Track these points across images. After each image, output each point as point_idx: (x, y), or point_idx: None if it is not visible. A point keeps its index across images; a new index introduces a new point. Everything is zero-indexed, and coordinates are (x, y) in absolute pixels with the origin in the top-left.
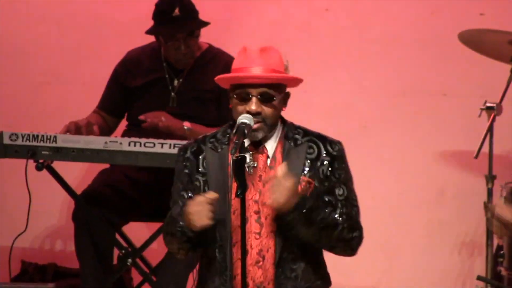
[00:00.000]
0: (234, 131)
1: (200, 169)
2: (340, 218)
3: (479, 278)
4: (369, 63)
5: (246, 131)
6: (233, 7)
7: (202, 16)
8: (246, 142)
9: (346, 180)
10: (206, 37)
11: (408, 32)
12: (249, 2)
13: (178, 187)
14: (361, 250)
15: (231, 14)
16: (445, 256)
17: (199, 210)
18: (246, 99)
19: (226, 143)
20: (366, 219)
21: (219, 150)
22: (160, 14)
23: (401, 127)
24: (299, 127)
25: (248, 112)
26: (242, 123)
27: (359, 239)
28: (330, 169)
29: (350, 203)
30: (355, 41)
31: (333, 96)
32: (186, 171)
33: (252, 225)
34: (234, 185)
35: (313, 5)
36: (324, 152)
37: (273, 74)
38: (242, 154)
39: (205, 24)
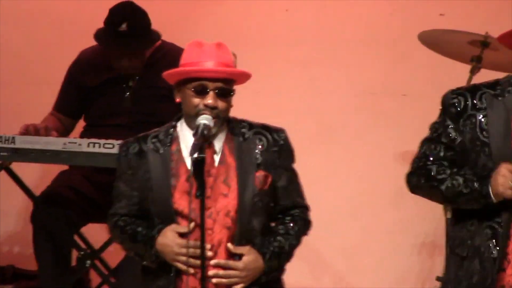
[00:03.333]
0: (194, 131)
1: (144, 171)
2: (296, 229)
3: (438, 278)
4: (329, 64)
5: (206, 132)
6: (191, 6)
7: (160, 16)
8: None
9: (291, 167)
10: (163, 36)
11: (367, 33)
12: (208, 1)
13: (121, 186)
14: (322, 250)
15: (189, 14)
16: (405, 257)
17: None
18: (202, 93)
19: (168, 144)
20: (327, 219)
21: (161, 152)
22: (107, 24)
23: (362, 127)
24: (242, 121)
25: (206, 106)
26: (203, 124)
27: (309, 223)
28: (279, 158)
29: (296, 192)
30: (315, 42)
31: (294, 97)
32: (130, 171)
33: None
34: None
35: (273, 5)
36: (272, 142)
37: (234, 69)
38: (202, 155)
39: (150, 44)
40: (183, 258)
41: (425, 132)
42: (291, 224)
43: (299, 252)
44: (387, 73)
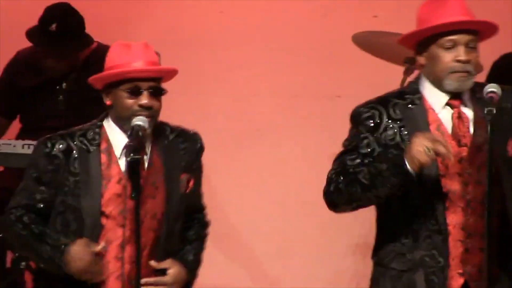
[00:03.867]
0: (129, 133)
1: (71, 169)
2: (204, 234)
3: None
4: (263, 66)
5: (141, 133)
6: (125, 8)
7: (95, 16)
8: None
9: (202, 170)
10: (98, 37)
11: (301, 35)
12: (143, 2)
13: (30, 181)
14: (257, 252)
15: (123, 15)
16: (340, 258)
17: (90, 268)
18: (136, 93)
19: (97, 143)
20: (261, 221)
21: (91, 151)
22: (39, 22)
23: (295, 129)
24: (163, 123)
25: (140, 106)
26: (137, 125)
27: (209, 225)
28: (196, 161)
29: (200, 195)
30: (248, 44)
31: (226, 100)
32: (51, 167)
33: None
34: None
35: (208, 7)
36: (193, 145)
37: (164, 66)
38: (137, 156)
39: (78, 47)
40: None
41: None
42: (200, 229)
43: (234, 253)
44: (321, 75)
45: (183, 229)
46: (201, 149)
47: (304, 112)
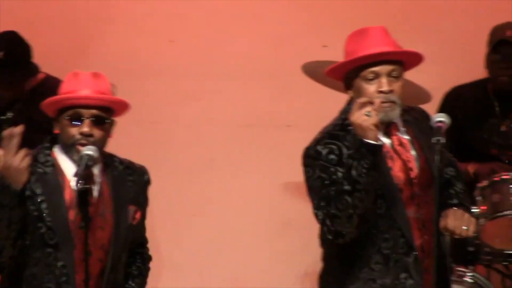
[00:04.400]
0: (78, 161)
1: (34, 189)
2: (146, 269)
3: None
4: (215, 95)
5: (90, 163)
6: (77, 37)
7: (46, 47)
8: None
9: (146, 206)
10: (48, 67)
11: (252, 64)
12: (94, 31)
13: None
14: (207, 280)
15: (75, 44)
16: (288, 287)
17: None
18: (78, 121)
19: (51, 164)
20: (213, 251)
21: (48, 172)
22: None
23: (247, 159)
24: (112, 155)
25: (81, 134)
26: (86, 154)
27: (150, 261)
28: (143, 194)
29: (144, 229)
30: (200, 73)
31: (179, 129)
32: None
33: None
34: None
35: (158, 36)
36: (140, 178)
37: (108, 96)
38: (86, 186)
39: (27, 77)
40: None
41: None
42: (142, 264)
43: (187, 283)
44: (271, 104)
45: (126, 263)
46: (147, 183)
47: (256, 141)
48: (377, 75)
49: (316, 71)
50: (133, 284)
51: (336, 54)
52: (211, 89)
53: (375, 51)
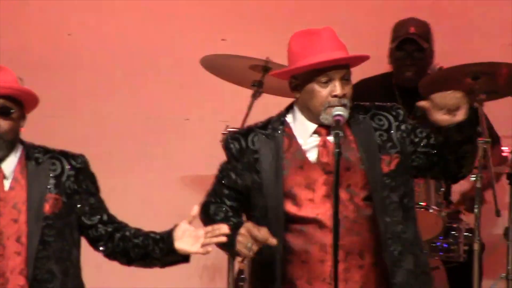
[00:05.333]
0: None
1: None
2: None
3: None
4: (114, 89)
5: None
6: None
7: None
8: None
9: (95, 190)
10: None
11: (150, 57)
12: None
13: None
14: (105, 274)
15: None
16: (185, 280)
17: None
18: None
19: None
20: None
21: None
22: None
23: (145, 152)
24: (39, 146)
25: None
26: None
27: None
28: (76, 182)
29: (103, 211)
30: (98, 67)
31: (76, 123)
32: None
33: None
34: None
35: (56, 29)
36: (68, 166)
37: (12, 84)
38: None
39: None
40: None
41: (207, 156)
42: (128, 232)
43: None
44: (170, 97)
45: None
46: (80, 169)
47: (154, 134)
48: (330, 79)
49: (215, 65)
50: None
51: (234, 48)
52: (110, 83)
53: (331, 57)
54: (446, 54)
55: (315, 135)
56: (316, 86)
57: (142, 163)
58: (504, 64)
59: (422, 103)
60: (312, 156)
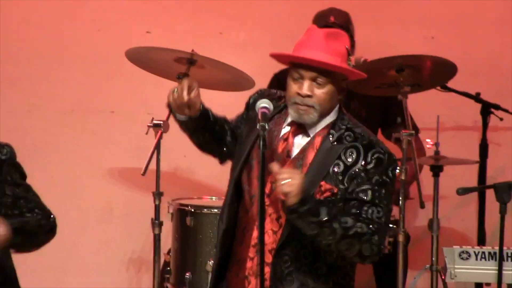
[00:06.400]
0: None
1: None
2: None
3: None
4: (37, 80)
5: None
6: None
7: None
8: None
9: (20, 181)
10: None
11: (76, 49)
12: None
13: None
14: (30, 268)
15: None
16: (113, 274)
17: None
18: None
19: None
20: None
21: None
22: None
23: (69, 145)
24: None
25: None
26: None
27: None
28: (0, 173)
29: (23, 205)
30: (21, 58)
31: (1, 115)
32: None
33: None
34: None
35: (12, 17)
36: None
37: None
38: None
39: None
40: None
41: (133, 149)
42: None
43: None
44: (96, 90)
45: None
46: (5, 161)
47: (78, 127)
48: (301, 77)
49: (140, 57)
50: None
51: (160, 40)
52: (33, 75)
53: (301, 55)
54: (370, 47)
55: (288, 127)
56: (290, 81)
57: (68, 156)
58: (428, 57)
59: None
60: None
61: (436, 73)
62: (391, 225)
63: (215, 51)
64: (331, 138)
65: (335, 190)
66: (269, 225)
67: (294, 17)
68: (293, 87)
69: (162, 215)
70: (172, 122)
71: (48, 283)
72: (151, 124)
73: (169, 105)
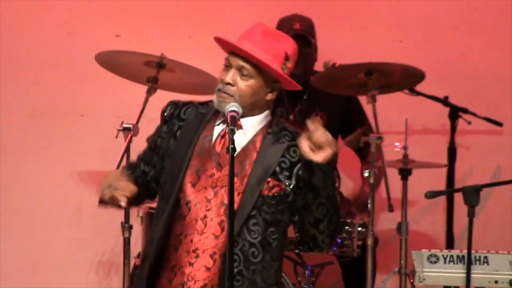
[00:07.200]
0: None
1: None
2: None
3: None
4: (7, 83)
5: None
6: None
7: None
8: None
9: None
10: None
11: (45, 52)
12: None
13: None
14: (1, 267)
15: None
16: (83, 276)
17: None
18: None
19: None
20: (4, 238)
21: None
22: None
23: (39, 147)
24: None
25: None
26: None
27: None
28: None
29: None
30: None
31: None
32: None
33: None
34: None
35: None
36: None
37: None
38: None
39: None
40: None
41: (103, 152)
42: None
43: None
44: (65, 93)
45: None
46: None
47: (47, 130)
48: (230, 65)
49: (109, 61)
50: None
51: (129, 44)
52: (3, 77)
53: (227, 40)
54: (338, 51)
55: (221, 125)
56: (222, 68)
57: (38, 159)
58: (396, 65)
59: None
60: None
61: (404, 78)
62: (360, 229)
63: (185, 54)
64: (271, 138)
65: (283, 186)
66: (210, 230)
67: (262, 21)
68: (221, 74)
69: (132, 219)
70: (142, 125)
71: (18, 283)
72: (121, 128)
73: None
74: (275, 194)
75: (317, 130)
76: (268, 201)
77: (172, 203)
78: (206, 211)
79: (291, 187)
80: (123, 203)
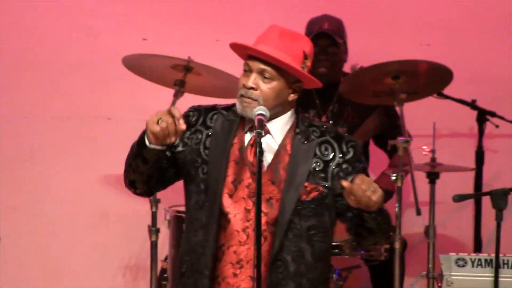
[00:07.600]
0: None
1: None
2: None
3: None
4: (34, 87)
5: None
6: None
7: None
8: None
9: None
10: None
11: (71, 56)
12: None
13: None
14: (27, 272)
15: None
16: (109, 280)
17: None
18: None
19: None
20: (31, 243)
21: None
22: None
23: (66, 152)
24: None
25: None
26: None
27: None
28: None
29: None
30: (16, 65)
31: None
32: None
33: None
34: None
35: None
36: None
37: None
38: None
39: None
40: None
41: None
42: None
43: (5, 274)
44: (92, 97)
45: None
46: None
47: (75, 133)
48: (250, 69)
49: (136, 64)
50: None
51: (156, 47)
52: (31, 81)
53: (246, 45)
54: (365, 55)
55: (250, 132)
56: (242, 73)
57: (65, 163)
58: (423, 62)
59: (345, 183)
60: (245, 152)
61: (432, 79)
62: None
63: (211, 58)
64: (300, 138)
65: (320, 189)
66: (252, 240)
67: (290, 23)
68: (242, 79)
69: (159, 222)
70: None
71: (45, 284)
72: None
73: (145, 134)
74: (314, 198)
75: (357, 188)
76: (307, 206)
77: (213, 215)
78: (247, 222)
79: (327, 185)
80: (182, 125)
